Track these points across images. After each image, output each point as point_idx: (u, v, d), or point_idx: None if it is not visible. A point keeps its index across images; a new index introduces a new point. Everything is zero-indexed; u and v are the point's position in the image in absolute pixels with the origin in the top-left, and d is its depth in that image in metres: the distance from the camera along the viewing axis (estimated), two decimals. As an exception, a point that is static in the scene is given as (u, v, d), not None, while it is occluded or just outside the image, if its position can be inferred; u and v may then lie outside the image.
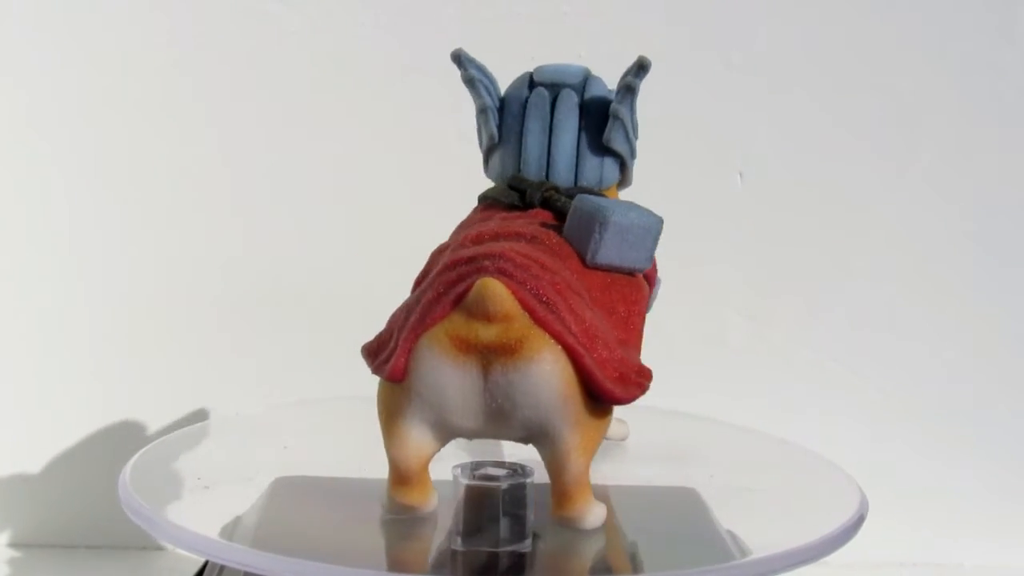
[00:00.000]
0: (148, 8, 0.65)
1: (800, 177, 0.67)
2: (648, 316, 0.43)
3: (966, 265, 0.67)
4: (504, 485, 0.39)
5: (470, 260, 0.37)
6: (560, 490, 0.37)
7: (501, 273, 0.36)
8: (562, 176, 0.44)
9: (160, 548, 0.68)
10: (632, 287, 0.41)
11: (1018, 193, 0.67)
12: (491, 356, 0.35)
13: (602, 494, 0.41)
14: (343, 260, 0.66)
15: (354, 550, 0.40)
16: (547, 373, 0.35)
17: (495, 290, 0.35)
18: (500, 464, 0.41)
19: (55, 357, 0.67)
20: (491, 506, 0.39)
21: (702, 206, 0.66)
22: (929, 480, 0.68)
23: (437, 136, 0.63)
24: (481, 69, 0.45)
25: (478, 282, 0.35)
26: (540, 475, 0.40)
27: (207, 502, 0.43)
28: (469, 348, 0.35)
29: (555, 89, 0.45)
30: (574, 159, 0.44)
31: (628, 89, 0.44)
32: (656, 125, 0.64)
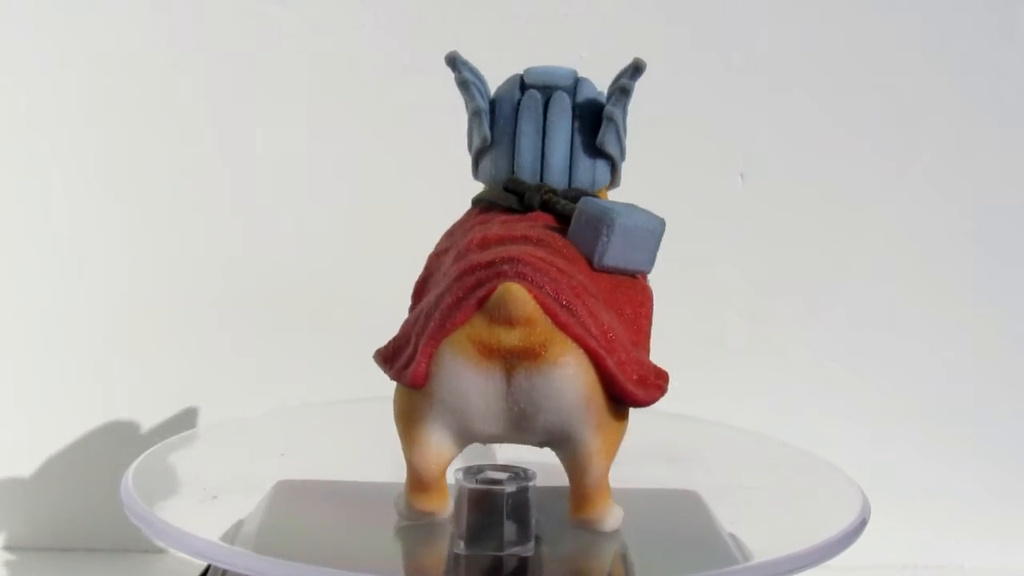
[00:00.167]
0: (148, 8, 0.65)
1: (800, 177, 0.67)
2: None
3: (966, 265, 0.67)
4: (508, 489, 0.39)
5: (488, 265, 0.37)
6: (581, 493, 0.38)
7: (521, 277, 0.36)
8: (556, 178, 0.44)
9: (159, 551, 0.67)
10: (636, 289, 0.41)
11: (1018, 193, 0.67)
12: (514, 361, 0.35)
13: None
14: (343, 261, 0.66)
15: (356, 554, 0.40)
16: (570, 377, 0.35)
17: (517, 294, 0.35)
18: (501, 468, 0.41)
19: (55, 357, 0.67)
20: (495, 510, 0.39)
21: (703, 207, 0.66)
22: (929, 481, 0.68)
23: (437, 137, 0.63)
24: (474, 71, 0.45)
25: (500, 287, 0.35)
26: (541, 479, 0.40)
27: (209, 506, 0.43)
28: (492, 353, 0.35)
29: (547, 91, 0.45)
30: (568, 161, 0.44)
31: (623, 91, 0.44)
32: (657, 126, 0.65)
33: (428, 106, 0.64)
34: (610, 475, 0.38)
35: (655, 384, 0.38)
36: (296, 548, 0.40)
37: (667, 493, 0.46)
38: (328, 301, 0.66)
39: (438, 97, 0.61)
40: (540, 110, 0.44)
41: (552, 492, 0.44)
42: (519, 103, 0.45)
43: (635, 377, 0.37)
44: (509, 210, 0.43)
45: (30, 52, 0.65)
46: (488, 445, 0.40)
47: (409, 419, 0.37)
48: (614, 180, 0.46)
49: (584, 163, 0.44)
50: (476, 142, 0.45)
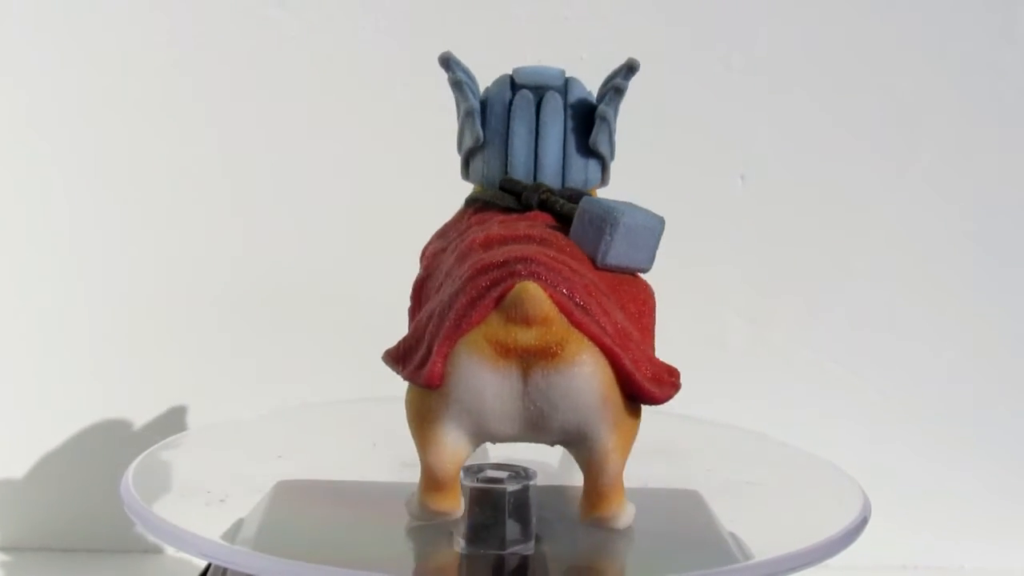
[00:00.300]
0: (148, 9, 0.65)
1: (800, 177, 0.67)
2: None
3: (966, 265, 0.67)
4: (510, 488, 0.39)
5: (502, 264, 0.37)
6: (597, 491, 0.37)
7: (535, 277, 0.36)
8: (549, 178, 0.44)
9: (159, 551, 0.67)
10: (638, 287, 0.41)
11: (1018, 193, 0.67)
12: (531, 360, 0.35)
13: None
14: (343, 262, 0.66)
15: (356, 554, 0.40)
16: (588, 375, 0.36)
17: (534, 293, 0.35)
18: (501, 466, 0.41)
19: (55, 357, 0.67)
20: (496, 509, 0.39)
21: (703, 207, 0.66)
22: (929, 482, 0.68)
23: (436, 138, 0.63)
24: (466, 71, 0.45)
25: (517, 286, 0.35)
26: (541, 477, 0.40)
27: (209, 505, 0.43)
28: (508, 352, 0.35)
29: (539, 91, 0.45)
30: (561, 161, 0.44)
31: (617, 91, 0.44)
32: (657, 126, 0.65)
33: (427, 107, 0.64)
34: (630, 478, 0.38)
35: (669, 382, 0.38)
36: (296, 548, 0.40)
37: (667, 493, 0.46)
38: (328, 301, 0.66)
39: (437, 98, 0.61)
40: (533, 110, 0.44)
41: (550, 491, 0.44)
42: (511, 103, 0.45)
43: (649, 375, 0.37)
44: (506, 210, 0.43)
45: (30, 52, 0.65)
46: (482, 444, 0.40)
47: (424, 419, 0.37)
48: (604, 179, 0.46)
49: (577, 163, 0.44)
50: (468, 142, 0.45)
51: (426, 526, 0.40)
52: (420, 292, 0.41)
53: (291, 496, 0.45)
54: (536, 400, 0.36)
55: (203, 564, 0.46)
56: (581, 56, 0.60)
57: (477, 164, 0.45)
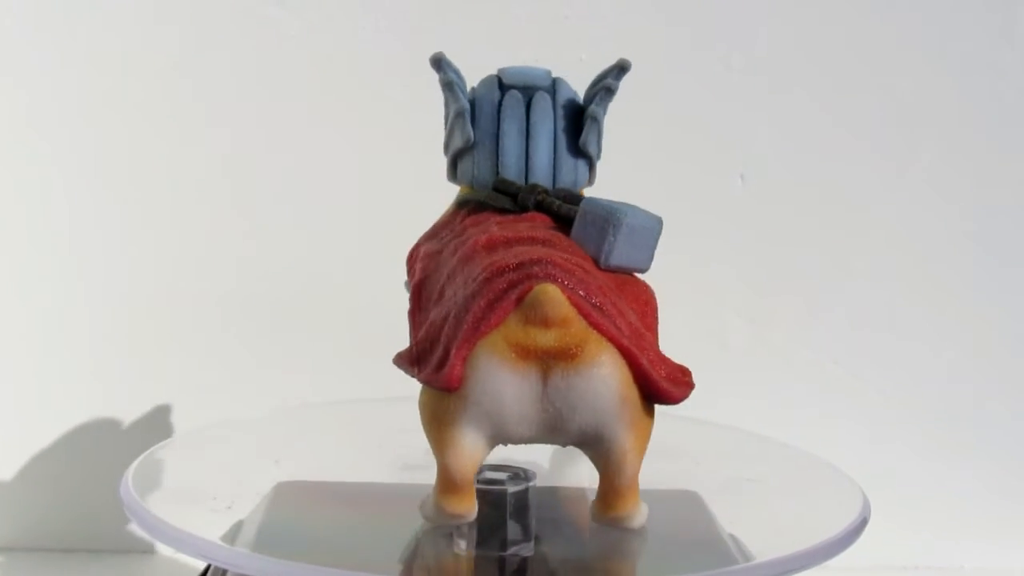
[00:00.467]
0: (148, 9, 0.65)
1: (800, 177, 0.67)
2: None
3: (966, 265, 0.67)
4: (511, 489, 0.39)
5: (517, 267, 0.37)
6: (614, 491, 0.37)
7: (552, 279, 0.36)
8: (540, 179, 0.44)
9: (159, 552, 0.67)
10: (639, 287, 0.41)
11: (1018, 193, 0.67)
12: (550, 361, 0.35)
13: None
14: (343, 262, 0.66)
15: (356, 554, 0.40)
16: (607, 376, 0.36)
17: (553, 295, 0.35)
18: (500, 468, 0.41)
19: (55, 357, 0.67)
20: (497, 510, 0.39)
21: (703, 207, 0.66)
22: (929, 482, 0.68)
23: (438, 139, 0.63)
24: (457, 72, 0.45)
25: (536, 287, 0.35)
26: (540, 479, 0.40)
27: (209, 506, 0.43)
28: (528, 354, 0.35)
29: (528, 92, 0.45)
30: (552, 161, 0.44)
31: (607, 91, 0.44)
32: (657, 126, 0.65)
33: (428, 108, 0.64)
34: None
35: (684, 381, 0.38)
36: (296, 548, 0.40)
37: (667, 493, 0.46)
38: (328, 302, 0.66)
39: (438, 99, 0.61)
40: (523, 111, 0.44)
41: (545, 492, 0.44)
42: (500, 103, 0.45)
43: (664, 374, 0.37)
44: (502, 211, 0.43)
45: (30, 52, 0.65)
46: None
47: (441, 422, 0.36)
48: (591, 179, 0.46)
49: (567, 163, 0.45)
50: (457, 143, 0.45)
51: (425, 527, 0.40)
52: (419, 294, 0.41)
53: (291, 497, 0.45)
54: (555, 401, 0.36)
55: (201, 565, 0.46)
56: (580, 56, 0.60)
57: (466, 165, 0.45)
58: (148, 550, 0.68)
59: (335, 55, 0.65)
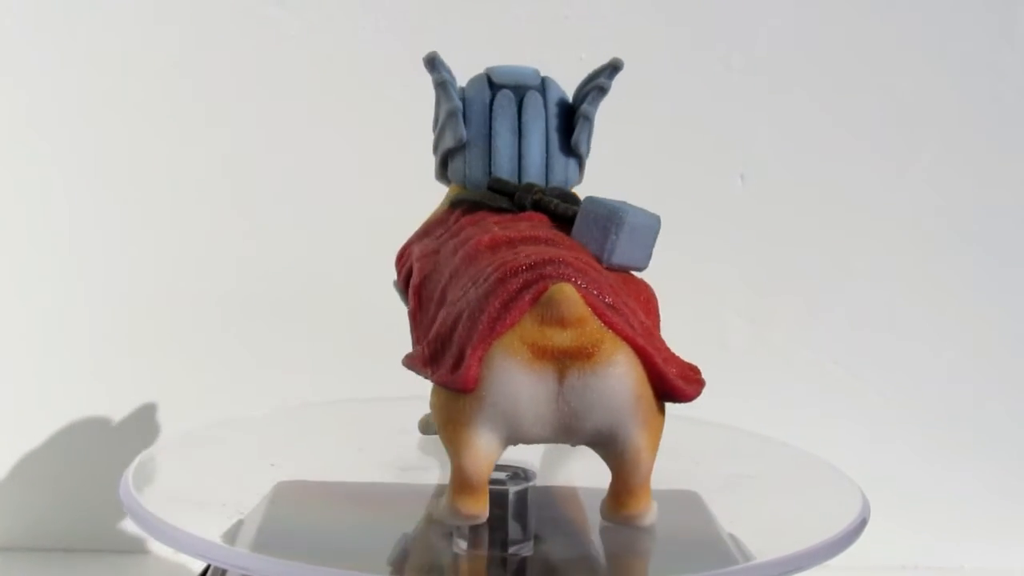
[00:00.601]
0: (148, 8, 0.65)
1: (800, 177, 0.67)
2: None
3: (966, 265, 0.67)
4: (512, 488, 0.39)
5: (531, 267, 0.37)
6: (628, 489, 0.37)
7: (566, 278, 0.36)
8: (533, 178, 0.44)
9: (158, 552, 0.67)
10: (641, 286, 0.41)
11: (1018, 193, 0.67)
12: (567, 361, 0.35)
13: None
14: (343, 262, 0.66)
15: (356, 554, 0.40)
16: (622, 375, 0.36)
17: (569, 295, 0.35)
18: (501, 467, 0.41)
19: (55, 357, 0.67)
20: (499, 509, 0.39)
21: (703, 207, 0.66)
22: (929, 482, 0.68)
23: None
24: (449, 71, 0.45)
25: (552, 287, 0.35)
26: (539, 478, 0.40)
27: (209, 506, 0.43)
28: (544, 354, 0.35)
29: (519, 91, 0.45)
30: (544, 160, 0.44)
31: (600, 90, 0.44)
32: (657, 126, 0.65)
33: (428, 108, 0.64)
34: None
35: (695, 379, 0.38)
36: (296, 548, 0.39)
37: (667, 493, 0.46)
38: (328, 302, 0.66)
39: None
40: (515, 110, 0.44)
41: (542, 491, 0.44)
42: (491, 103, 0.45)
43: (677, 372, 0.37)
44: (498, 210, 0.43)
45: (30, 52, 0.65)
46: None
47: (457, 423, 0.36)
48: (580, 177, 0.46)
49: (559, 162, 0.45)
50: (448, 142, 0.45)
51: (426, 527, 0.40)
52: (420, 293, 0.41)
53: (291, 497, 0.45)
54: (571, 401, 0.36)
55: (200, 565, 0.46)
56: (580, 56, 0.60)
57: (458, 164, 0.45)
58: (148, 550, 0.68)
59: (335, 55, 0.65)
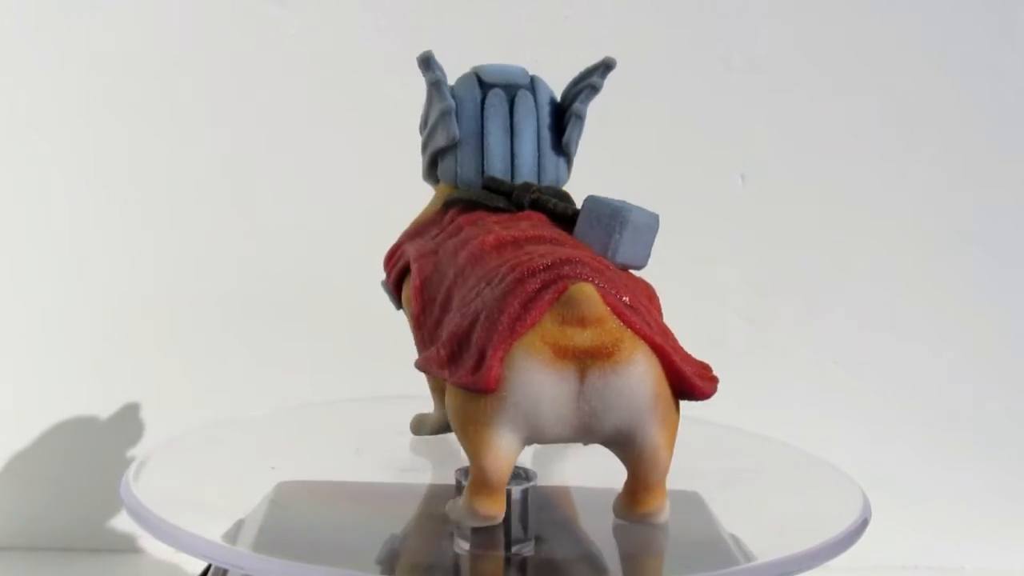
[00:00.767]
0: (148, 8, 0.65)
1: (800, 177, 0.67)
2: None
3: (966, 265, 0.67)
4: (515, 489, 0.39)
5: (548, 267, 0.37)
6: (646, 487, 0.37)
7: (584, 278, 0.36)
8: (526, 177, 0.44)
9: (158, 552, 0.67)
10: (643, 283, 0.41)
11: (1018, 193, 0.67)
12: (587, 360, 0.35)
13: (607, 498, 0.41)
14: (343, 262, 0.66)
15: (356, 554, 0.40)
16: (642, 374, 0.36)
17: (589, 294, 0.35)
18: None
19: (55, 357, 0.67)
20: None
21: (703, 207, 0.66)
22: (929, 482, 0.68)
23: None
24: (442, 71, 0.45)
25: (572, 287, 0.35)
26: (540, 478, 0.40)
27: (210, 506, 0.43)
28: (565, 353, 0.35)
29: (510, 90, 0.45)
30: (536, 159, 0.44)
31: (592, 89, 0.44)
32: (657, 126, 0.65)
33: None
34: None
35: (709, 376, 0.38)
36: (296, 548, 0.39)
37: (668, 494, 0.46)
38: (329, 302, 0.66)
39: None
40: (507, 109, 0.44)
41: (547, 492, 0.44)
42: (483, 102, 0.45)
43: (693, 370, 0.37)
44: (495, 209, 0.43)
45: (30, 52, 0.65)
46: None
47: (477, 423, 0.36)
48: (568, 175, 0.46)
49: (551, 161, 0.45)
50: (440, 141, 0.45)
51: (426, 527, 0.40)
52: (423, 294, 0.41)
53: (292, 496, 0.45)
54: (591, 400, 0.36)
55: (201, 565, 0.46)
56: (580, 56, 0.60)
57: (449, 164, 0.45)
58: (147, 549, 0.67)
59: (335, 54, 0.65)
